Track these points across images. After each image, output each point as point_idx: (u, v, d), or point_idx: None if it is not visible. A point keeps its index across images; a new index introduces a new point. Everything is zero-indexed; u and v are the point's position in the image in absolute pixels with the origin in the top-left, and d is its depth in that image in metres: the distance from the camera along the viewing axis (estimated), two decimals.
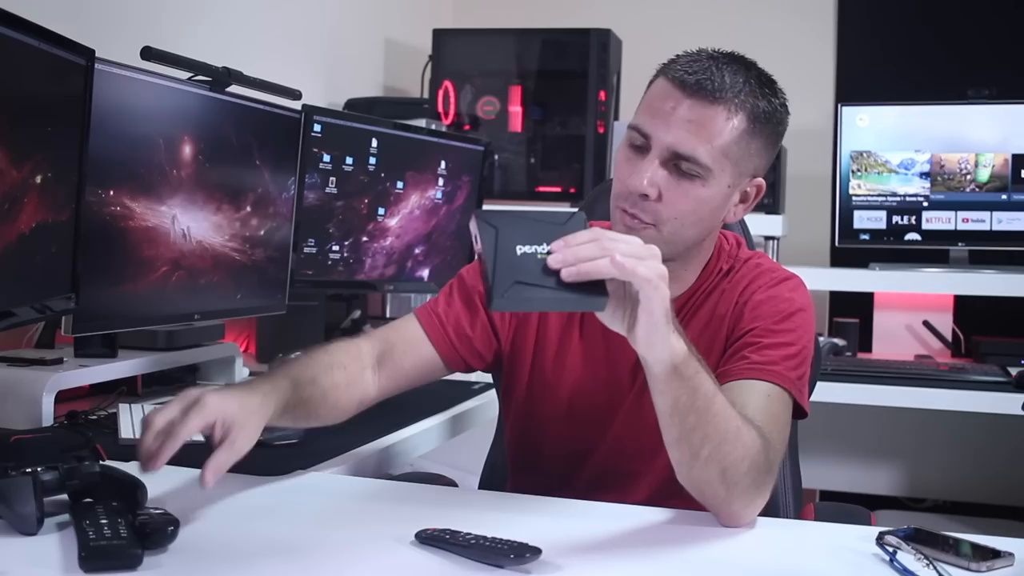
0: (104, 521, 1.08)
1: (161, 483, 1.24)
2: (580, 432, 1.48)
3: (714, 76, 1.33)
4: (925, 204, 3.08)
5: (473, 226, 1.10)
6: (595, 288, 1.07)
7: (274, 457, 1.40)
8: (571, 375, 1.48)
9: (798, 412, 1.37)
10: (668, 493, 1.35)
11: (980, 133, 3.05)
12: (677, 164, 1.33)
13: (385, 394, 1.48)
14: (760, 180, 1.42)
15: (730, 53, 1.39)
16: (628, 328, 1.13)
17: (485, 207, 2.70)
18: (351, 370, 1.43)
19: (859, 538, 1.19)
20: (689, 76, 1.33)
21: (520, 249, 1.07)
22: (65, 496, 1.16)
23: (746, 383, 1.31)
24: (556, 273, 1.06)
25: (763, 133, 1.37)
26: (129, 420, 1.61)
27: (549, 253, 1.07)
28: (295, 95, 2.23)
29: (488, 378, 1.65)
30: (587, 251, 1.07)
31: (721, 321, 1.43)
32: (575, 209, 1.08)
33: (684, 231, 1.37)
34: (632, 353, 1.43)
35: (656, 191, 1.34)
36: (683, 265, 1.44)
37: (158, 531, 1.06)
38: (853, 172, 3.11)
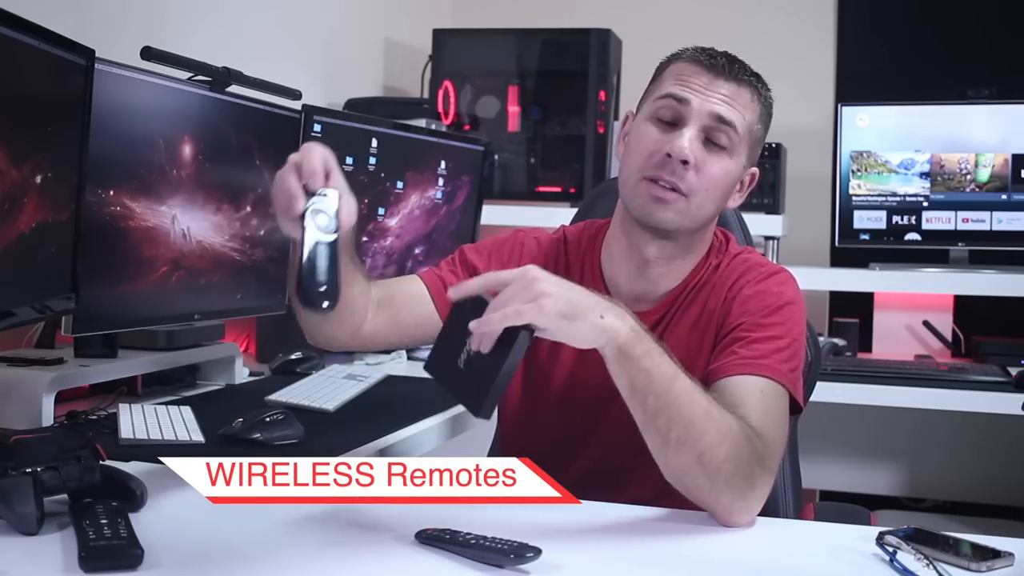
0: (104, 521, 1.08)
1: (161, 483, 1.23)
2: (572, 425, 1.48)
3: (735, 63, 1.42)
4: (925, 204, 3.08)
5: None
6: (505, 346, 1.17)
7: (274, 457, 1.40)
8: (564, 367, 1.49)
9: (795, 407, 1.37)
10: (663, 491, 1.35)
11: (980, 133, 3.05)
12: (711, 135, 1.39)
13: (378, 337, 1.49)
14: (755, 169, 1.48)
15: (727, 52, 1.46)
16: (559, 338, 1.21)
17: (485, 207, 2.70)
18: (365, 294, 1.44)
19: (859, 538, 1.19)
20: (715, 60, 1.41)
21: (463, 341, 1.20)
22: (65, 496, 1.16)
23: (738, 379, 1.31)
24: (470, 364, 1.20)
25: (765, 124, 1.45)
26: (129, 420, 1.61)
27: (471, 350, 1.19)
28: (295, 95, 2.23)
29: None
30: (482, 326, 1.17)
31: (710, 317, 1.43)
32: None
33: (707, 205, 1.41)
34: None
35: (695, 158, 1.38)
36: (684, 253, 1.46)
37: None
38: (853, 172, 3.11)
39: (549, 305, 1.17)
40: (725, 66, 1.40)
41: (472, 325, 1.17)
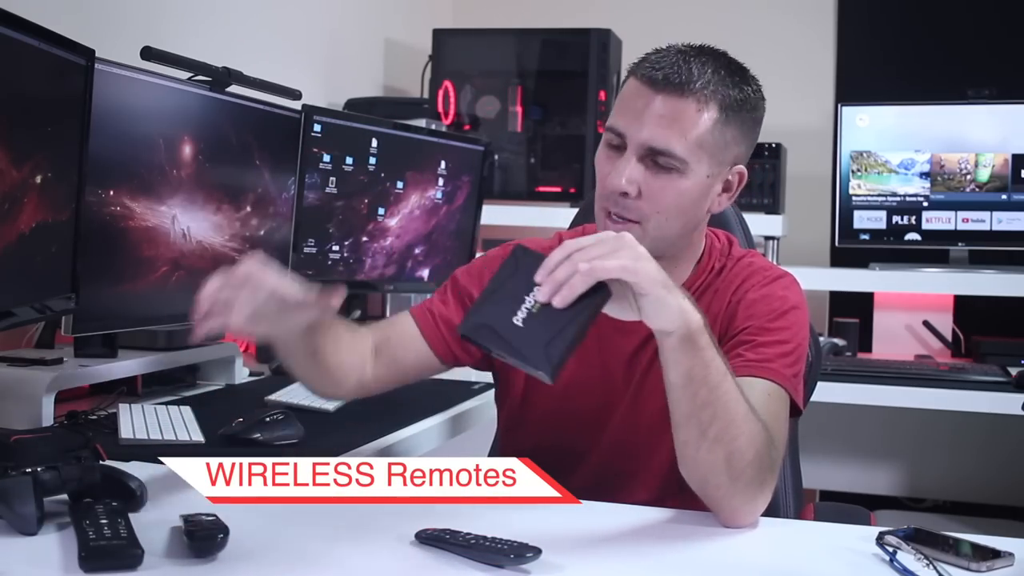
0: (104, 521, 1.08)
1: (161, 483, 1.23)
2: (575, 433, 1.48)
3: (681, 70, 1.34)
4: (925, 204, 3.08)
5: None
6: (582, 302, 1.11)
7: (274, 457, 1.40)
8: (565, 375, 1.48)
9: (793, 410, 1.37)
10: (666, 494, 1.35)
11: (980, 133, 3.05)
12: (654, 159, 1.35)
13: (382, 384, 1.51)
14: (742, 168, 1.42)
15: (700, 46, 1.40)
16: (637, 312, 1.17)
17: (485, 207, 2.70)
18: (358, 352, 1.47)
19: (859, 538, 1.19)
20: (657, 72, 1.34)
21: (519, 296, 1.12)
22: (65, 496, 1.16)
23: (744, 381, 1.31)
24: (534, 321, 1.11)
25: (737, 121, 1.37)
26: (129, 420, 1.61)
27: (535, 304, 1.12)
28: (295, 95, 2.23)
29: (488, 378, 1.65)
30: (562, 274, 1.11)
31: (714, 320, 1.43)
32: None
33: (668, 225, 1.38)
34: (625, 352, 1.44)
35: (636, 188, 1.35)
36: (673, 264, 1.44)
37: (208, 538, 1.06)
38: (853, 172, 3.11)
39: (653, 271, 1.15)
40: (665, 77, 1.33)
41: (558, 273, 1.11)
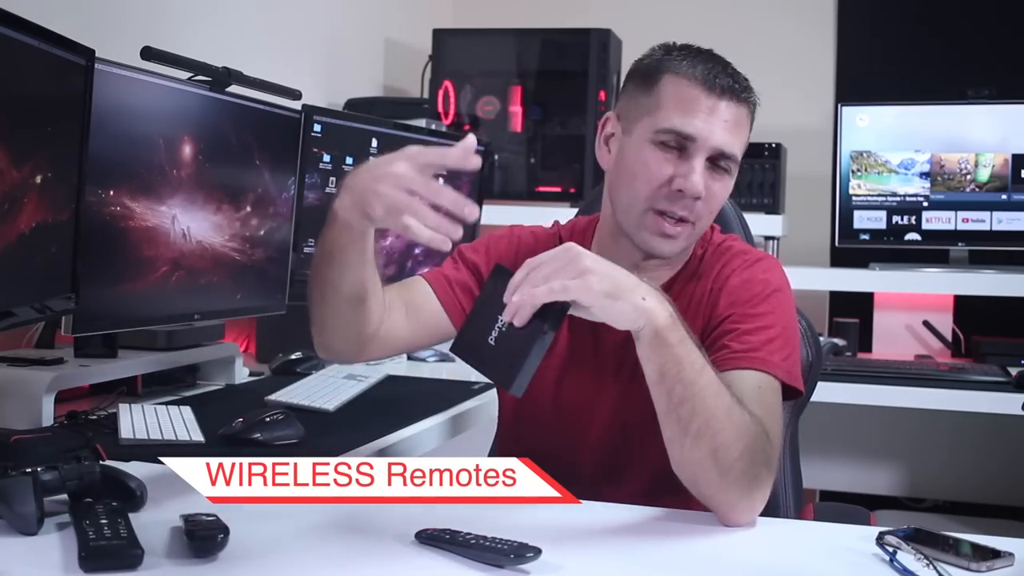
0: (104, 521, 1.08)
1: (161, 483, 1.23)
2: (568, 422, 1.48)
3: (736, 77, 1.39)
4: (925, 204, 3.08)
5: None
6: (541, 321, 1.17)
7: (274, 457, 1.40)
8: (557, 363, 1.48)
9: (794, 393, 1.37)
10: (660, 488, 1.35)
11: (980, 133, 3.05)
12: (716, 162, 1.38)
13: (389, 342, 1.48)
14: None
15: (711, 50, 1.43)
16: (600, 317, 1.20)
17: (485, 207, 2.70)
18: (378, 293, 1.43)
19: (859, 538, 1.19)
20: (716, 79, 1.37)
21: (494, 316, 1.20)
22: (65, 496, 1.16)
23: (734, 375, 1.31)
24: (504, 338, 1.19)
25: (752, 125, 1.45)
26: (129, 420, 1.61)
27: (504, 323, 1.19)
28: (295, 95, 2.23)
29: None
30: (517, 296, 1.17)
31: (698, 307, 1.43)
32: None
33: (708, 223, 1.43)
34: (614, 343, 1.44)
35: (705, 190, 1.38)
36: (676, 258, 1.46)
37: (208, 538, 1.06)
38: (853, 172, 3.11)
39: (595, 283, 1.16)
40: (727, 87, 1.37)
41: (513, 297, 1.16)
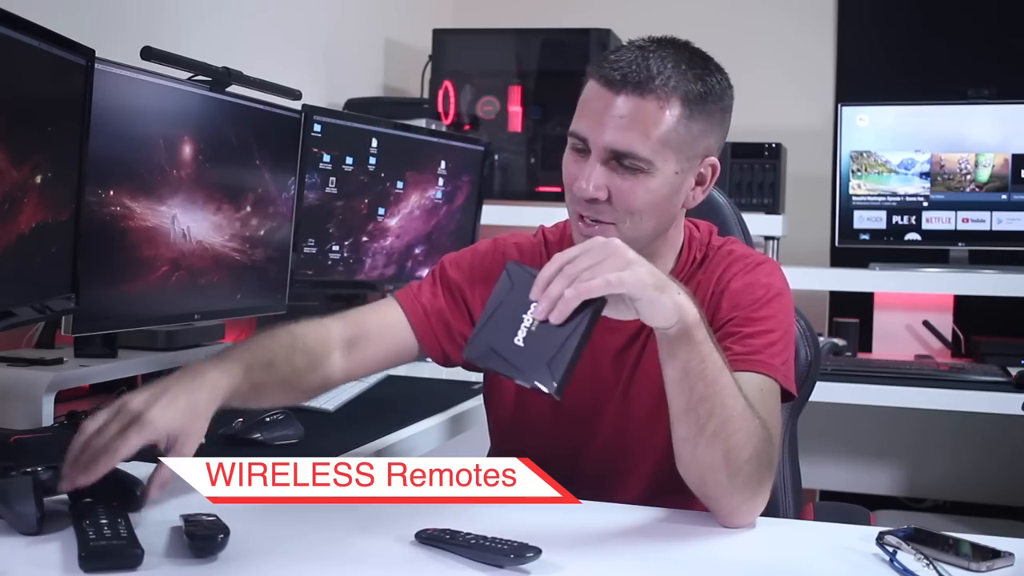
0: (104, 521, 1.08)
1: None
2: (567, 431, 1.47)
3: (639, 68, 1.32)
4: (925, 204, 3.08)
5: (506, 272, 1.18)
6: (576, 317, 1.12)
7: (274, 457, 1.40)
8: None
9: (787, 396, 1.37)
10: (659, 491, 1.35)
11: (980, 133, 3.05)
12: (619, 161, 1.33)
13: (351, 377, 1.48)
14: (714, 160, 1.40)
15: (660, 39, 1.38)
16: (635, 314, 1.17)
17: (485, 207, 2.70)
18: (316, 354, 1.41)
19: (859, 538, 1.19)
20: (615, 72, 1.32)
21: (517, 315, 1.14)
22: (65, 496, 1.16)
23: (736, 377, 1.31)
24: (531, 341, 1.13)
25: (703, 114, 1.35)
26: None
27: (534, 322, 1.13)
28: (295, 95, 2.23)
29: None
30: (555, 290, 1.12)
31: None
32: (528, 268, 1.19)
33: (643, 224, 1.37)
34: (613, 350, 1.44)
35: (604, 192, 1.34)
36: (651, 258, 1.44)
37: (208, 538, 1.06)
38: (853, 172, 3.11)
39: (644, 274, 1.14)
40: (623, 77, 1.32)
41: (551, 290, 1.12)
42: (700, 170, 1.39)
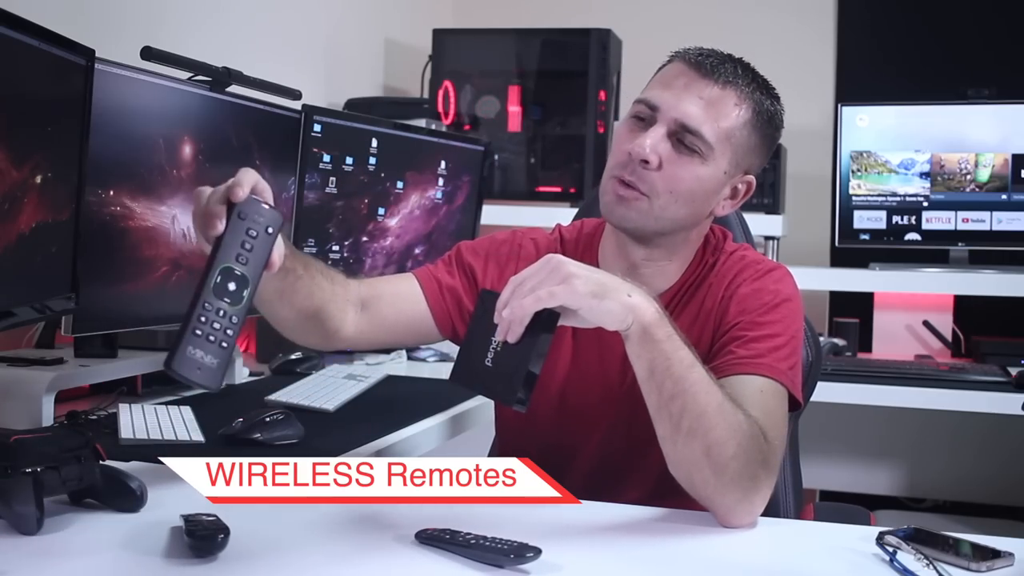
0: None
1: (161, 483, 1.23)
2: (571, 429, 1.48)
3: (730, 67, 1.39)
4: (925, 204, 3.08)
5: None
6: (534, 334, 1.18)
7: (274, 457, 1.40)
8: (562, 371, 1.48)
9: (792, 404, 1.37)
10: (662, 492, 1.35)
11: (980, 133, 3.05)
12: (681, 138, 1.36)
13: (362, 338, 1.50)
14: (751, 178, 1.44)
15: (737, 57, 1.44)
16: (586, 322, 1.20)
17: (485, 207, 2.70)
18: (337, 296, 1.44)
19: (859, 538, 1.19)
20: (707, 60, 1.38)
21: (487, 339, 1.20)
22: (65, 496, 1.16)
23: (736, 379, 1.31)
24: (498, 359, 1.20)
25: (763, 131, 1.41)
26: (129, 420, 1.61)
27: (498, 343, 1.19)
28: (295, 95, 2.23)
29: None
30: (507, 313, 1.17)
31: (708, 316, 1.43)
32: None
33: (674, 208, 1.39)
34: (620, 353, 1.44)
35: (657, 159, 1.36)
36: (668, 256, 1.45)
37: (208, 538, 1.06)
38: (853, 172, 3.11)
39: (579, 285, 1.17)
40: (712, 66, 1.37)
41: (503, 313, 1.17)
42: (738, 184, 1.43)
